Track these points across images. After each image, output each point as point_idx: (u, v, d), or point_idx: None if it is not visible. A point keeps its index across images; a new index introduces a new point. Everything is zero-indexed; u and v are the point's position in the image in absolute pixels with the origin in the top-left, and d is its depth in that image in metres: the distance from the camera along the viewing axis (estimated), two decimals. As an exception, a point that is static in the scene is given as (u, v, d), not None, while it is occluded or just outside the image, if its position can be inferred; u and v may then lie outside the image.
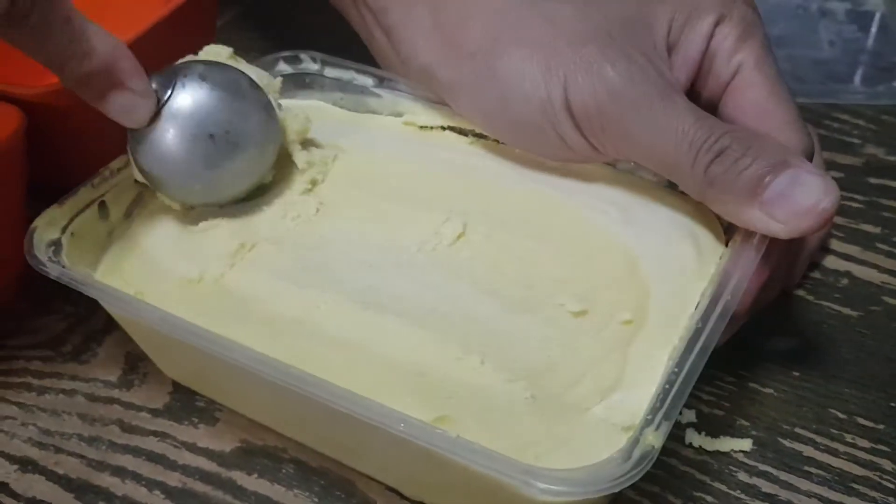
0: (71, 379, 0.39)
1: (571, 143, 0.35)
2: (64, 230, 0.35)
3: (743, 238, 0.32)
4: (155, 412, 0.38)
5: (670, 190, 0.36)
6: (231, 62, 0.37)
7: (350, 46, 0.43)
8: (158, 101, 0.33)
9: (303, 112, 0.38)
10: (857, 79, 0.50)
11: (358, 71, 0.41)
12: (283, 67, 0.42)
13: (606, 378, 0.30)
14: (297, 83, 0.42)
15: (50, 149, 0.40)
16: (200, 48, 0.38)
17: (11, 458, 0.36)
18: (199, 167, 0.34)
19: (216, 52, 0.37)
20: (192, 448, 0.37)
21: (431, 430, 0.27)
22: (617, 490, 0.25)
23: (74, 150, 0.43)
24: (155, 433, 0.37)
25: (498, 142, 0.39)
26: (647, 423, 0.26)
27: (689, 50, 0.34)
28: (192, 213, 0.37)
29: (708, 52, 0.34)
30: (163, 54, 0.37)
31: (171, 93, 0.34)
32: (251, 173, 0.36)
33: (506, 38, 0.35)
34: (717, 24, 0.34)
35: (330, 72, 0.42)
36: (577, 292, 0.33)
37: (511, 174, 0.38)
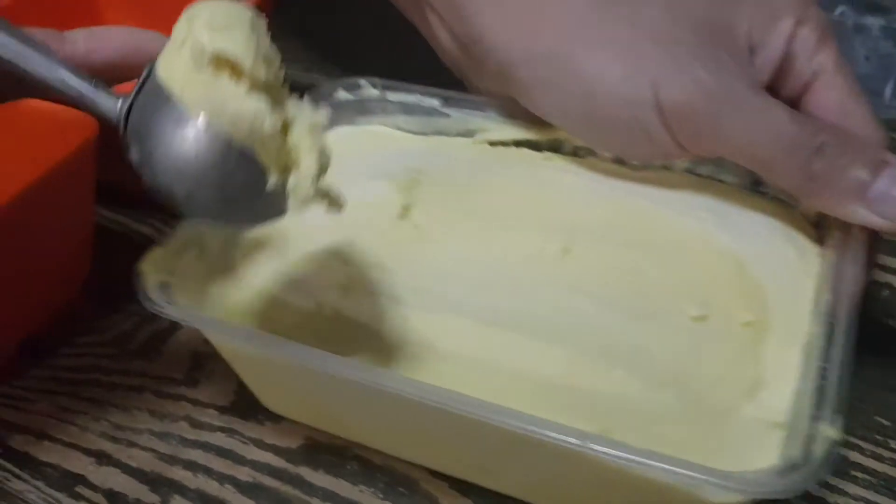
0: (139, 376, 0.41)
1: (658, 141, 0.36)
2: (170, 271, 0.34)
3: (845, 235, 0.34)
4: (222, 409, 0.39)
5: (755, 193, 0.38)
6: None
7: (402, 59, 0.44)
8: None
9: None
10: (889, 92, 0.52)
11: (423, 93, 0.42)
12: (343, 95, 0.42)
13: (745, 378, 0.31)
14: (358, 109, 0.43)
15: (113, 151, 0.42)
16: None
17: (87, 451, 0.38)
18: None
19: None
20: (260, 444, 0.38)
21: (613, 443, 0.27)
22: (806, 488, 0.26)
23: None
24: (223, 429, 0.38)
25: (573, 156, 0.40)
26: (815, 418, 0.27)
27: (771, 51, 0.36)
28: (292, 245, 0.37)
29: (788, 53, 0.36)
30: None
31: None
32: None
33: (588, 37, 0.36)
34: (796, 26, 0.35)
35: (392, 95, 0.42)
36: (693, 298, 0.34)
37: (596, 186, 0.39)
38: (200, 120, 0.26)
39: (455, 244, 0.37)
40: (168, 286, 0.34)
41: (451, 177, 0.40)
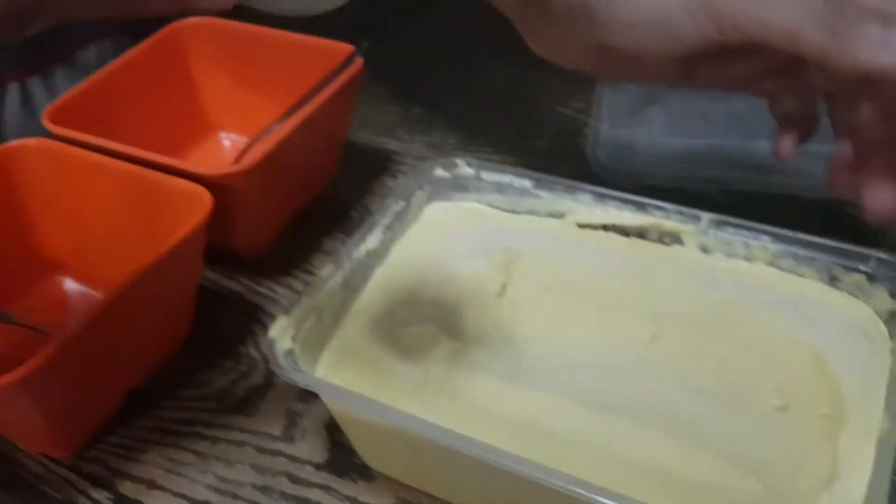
0: (240, 431, 0.43)
1: (699, 23, 0.36)
2: (294, 338, 0.37)
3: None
4: (318, 466, 0.41)
5: (832, 288, 0.40)
6: None
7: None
8: None
9: None
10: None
11: (515, 174, 0.45)
12: (440, 172, 0.46)
13: (823, 468, 0.34)
14: (454, 186, 0.46)
15: (223, 219, 0.45)
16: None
17: (195, 502, 0.40)
18: None
19: None
20: (355, 501, 0.40)
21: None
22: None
23: (241, 219, 0.48)
24: (320, 486, 0.40)
25: (659, 243, 0.43)
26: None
27: None
28: (398, 315, 0.40)
29: None
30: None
31: None
32: None
33: None
34: None
35: (486, 175, 0.45)
36: (774, 388, 0.37)
37: (683, 275, 0.41)
38: None
39: (548, 324, 0.40)
40: (293, 352, 0.37)
41: (543, 257, 0.43)
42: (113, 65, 0.54)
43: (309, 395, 0.44)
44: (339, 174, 0.57)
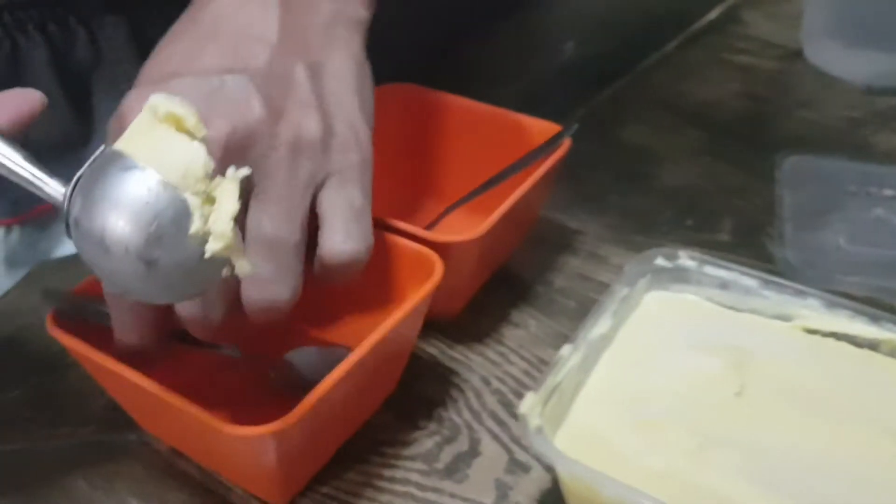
0: (451, 497, 0.43)
1: None
2: (541, 415, 0.37)
3: None
4: (531, 539, 0.42)
5: None
6: (161, 129, 0.31)
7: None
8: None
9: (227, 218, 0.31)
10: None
11: (742, 273, 0.45)
12: (661, 262, 0.46)
13: None
14: (674, 277, 0.46)
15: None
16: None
17: (418, 563, 0.41)
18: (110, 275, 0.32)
19: (155, 105, 0.31)
20: None
21: None
22: None
23: (451, 285, 0.49)
24: None
25: (891, 357, 0.42)
26: None
27: None
28: (633, 402, 0.40)
29: None
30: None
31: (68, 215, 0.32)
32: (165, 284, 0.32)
33: None
34: None
35: (710, 270, 0.45)
36: None
37: None
38: (145, 164, 0.31)
39: (788, 429, 0.40)
40: (542, 430, 0.37)
41: (775, 360, 0.42)
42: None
43: (517, 468, 0.45)
44: (522, 246, 0.58)
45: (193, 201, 0.31)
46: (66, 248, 0.62)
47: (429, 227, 0.57)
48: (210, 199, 0.31)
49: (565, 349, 0.41)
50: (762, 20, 0.92)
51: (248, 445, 0.37)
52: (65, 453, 0.46)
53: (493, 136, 0.58)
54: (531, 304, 0.55)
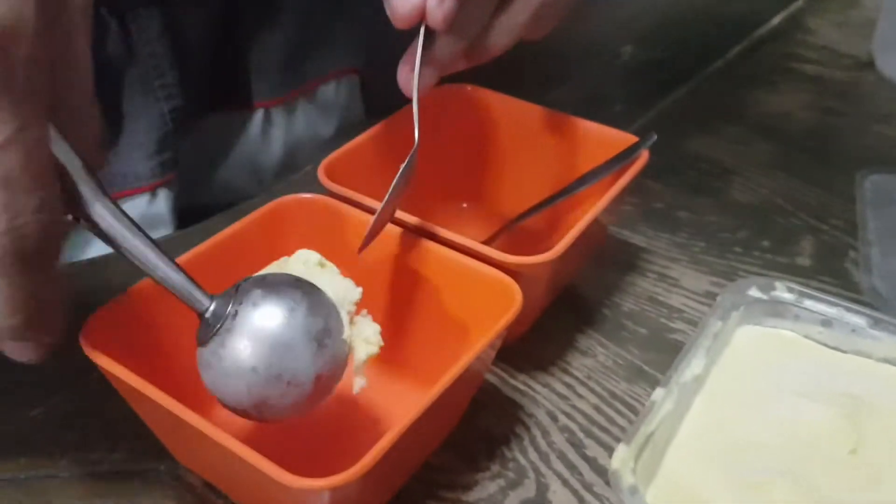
0: (518, 546, 0.39)
1: None
2: (633, 471, 0.34)
3: None
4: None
5: None
6: (316, 270, 0.37)
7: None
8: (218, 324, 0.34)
9: (375, 333, 0.36)
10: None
11: (848, 309, 0.40)
12: (755, 293, 0.42)
13: None
14: (768, 311, 0.42)
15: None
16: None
17: None
18: (244, 396, 0.34)
19: (304, 258, 0.37)
20: None
21: None
22: None
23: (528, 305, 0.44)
24: None
25: None
26: None
27: None
28: (731, 454, 0.36)
29: None
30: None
31: (223, 323, 0.34)
32: (304, 399, 0.34)
33: None
34: None
35: (810, 304, 0.41)
36: None
37: None
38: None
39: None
40: (636, 489, 0.33)
41: (892, 411, 0.38)
42: (382, 124, 0.52)
43: (593, 523, 0.40)
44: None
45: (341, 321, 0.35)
46: (74, 253, 0.58)
47: (486, 242, 0.52)
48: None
49: (657, 393, 0.36)
50: (828, 28, 0.87)
51: (303, 497, 0.32)
52: (92, 482, 0.42)
53: (558, 144, 0.54)
54: (598, 329, 0.51)
